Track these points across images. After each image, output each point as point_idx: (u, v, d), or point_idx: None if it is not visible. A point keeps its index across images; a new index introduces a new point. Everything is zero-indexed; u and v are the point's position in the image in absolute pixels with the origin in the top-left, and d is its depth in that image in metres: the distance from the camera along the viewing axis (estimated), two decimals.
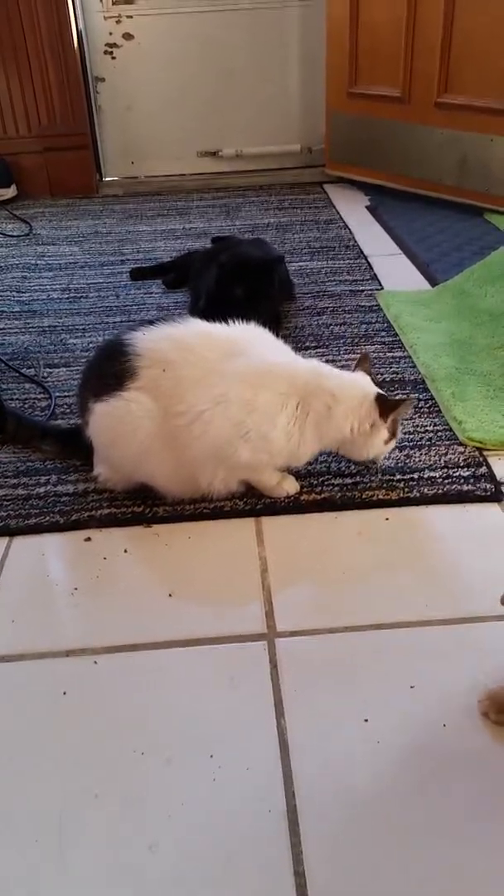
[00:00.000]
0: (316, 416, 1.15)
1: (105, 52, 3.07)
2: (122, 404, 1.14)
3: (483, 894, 0.72)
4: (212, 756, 0.85)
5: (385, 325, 1.82)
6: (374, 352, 1.67)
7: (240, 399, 1.12)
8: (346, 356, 1.64)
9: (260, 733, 0.87)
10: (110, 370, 1.16)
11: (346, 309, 1.91)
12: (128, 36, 3.05)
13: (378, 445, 1.20)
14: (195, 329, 1.19)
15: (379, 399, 1.18)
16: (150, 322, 1.21)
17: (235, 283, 1.73)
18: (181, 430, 1.12)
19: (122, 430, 1.14)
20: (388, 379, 1.57)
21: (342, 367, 1.25)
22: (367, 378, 1.23)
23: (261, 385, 1.14)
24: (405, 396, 1.22)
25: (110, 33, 3.04)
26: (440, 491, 1.24)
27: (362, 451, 1.20)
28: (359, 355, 1.30)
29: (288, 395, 1.14)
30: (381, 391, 1.21)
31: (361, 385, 1.20)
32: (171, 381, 1.13)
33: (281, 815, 0.78)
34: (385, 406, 1.18)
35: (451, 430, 1.39)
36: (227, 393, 1.12)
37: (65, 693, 0.93)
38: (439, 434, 1.38)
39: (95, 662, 0.97)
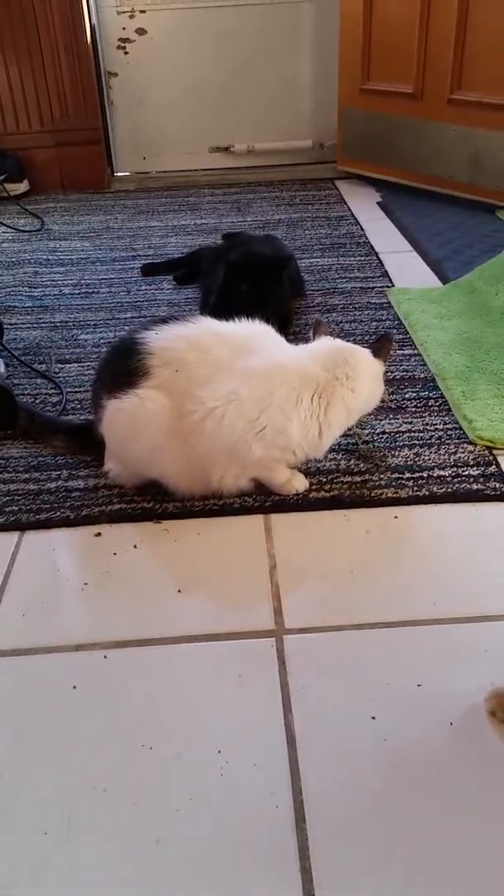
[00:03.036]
0: (341, 402, 1.18)
1: (118, 47, 3.08)
2: (136, 401, 1.14)
3: (488, 894, 0.73)
4: (220, 751, 0.85)
5: (395, 322, 1.81)
6: None
7: (253, 396, 1.13)
8: None
9: (268, 729, 0.87)
10: (124, 368, 1.17)
11: (357, 306, 1.91)
12: (141, 31, 3.05)
13: (382, 386, 1.28)
14: (206, 328, 1.20)
15: (374, 352, 1.25)
16: (163, 320, 1.21)
17: (244, 280, 1.73)
18: (193, 426, 1.13)
19: (136, 426, 1.15)
20: (398, 377, 1.57)
21: None
22: (337, 340, 1.27)
23: (273, 382, 1.14)
24: (383, 335, 1.29)
25: (123, 28, 3.04)
26: (449, 490, 1.24)
27: (377, 401, 1.28)
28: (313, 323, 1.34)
29: (301, 390, 1.15)
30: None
31: (355, 350, 1.23)
32: (183, 381, 1.14)
33: (288, 811, 0.79)
34: (382, 353, 1.26)
35: (460, 428, 1.39)
36: (240, 391, 1.12)
37: (74, 687, 0.94)
38: (449, 433, 1.39)
39: (105, 657, 0.98)
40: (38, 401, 1.55)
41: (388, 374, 1.55)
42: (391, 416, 1.44)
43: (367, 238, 2.39)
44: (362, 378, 1.20)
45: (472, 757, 0.84)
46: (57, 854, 0.76)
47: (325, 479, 1.28)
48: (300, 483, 1.25)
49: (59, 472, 1.32)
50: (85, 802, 0.81)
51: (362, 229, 2.48)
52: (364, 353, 1.23)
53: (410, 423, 1.42)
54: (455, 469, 1.29)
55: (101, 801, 0.81)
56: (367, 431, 1.39)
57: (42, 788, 0.83)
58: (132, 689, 0.93)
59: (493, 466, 1.29)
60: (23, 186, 2.99)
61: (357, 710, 0.89)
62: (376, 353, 1.24)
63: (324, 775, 0.83)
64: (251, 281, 1.73)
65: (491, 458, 1.31)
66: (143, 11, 3.02)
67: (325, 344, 1.24)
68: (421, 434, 1.39)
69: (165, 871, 0.75)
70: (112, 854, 0.76)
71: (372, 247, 2.32)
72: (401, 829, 0.77)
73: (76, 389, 1.57)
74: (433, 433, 1.39)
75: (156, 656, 0.98)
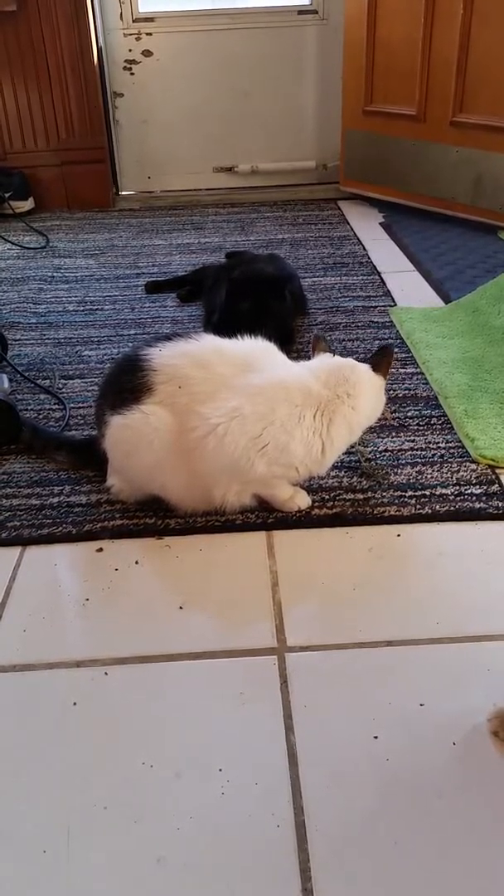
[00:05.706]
0: (343, 419, 1.18)
1: (124, 68, 3.11)
2: (140, 417, 1.15)
3: None
4: (221, 770, 0.85)
5: (398, 341, 1.82)
6: None
7: (256, 414, 1.13)
8: None
9: (269, 748, 0.87)
10: (127, 384, 1.17)
11: (359, 325, 1.92)
12: (147, 53, 3.09)
13: (384, 399, 1.27)
14: (209, 345, 1.21)
15: (374, 367, 1.24)
16: (167, 337, 1.22)
17: (246, 298, 1.74)
18: (195, 443, 1.13)
19: (139, 442, 1.15)
20: (400, 395, 1.57)
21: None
22: (337, 357, 1.26)
23: (275, 399, 1.15)
24: (385, 345, 1.28)
25: (129, 50, 3.08)
26: (452, 508, 1.24)
27: (378, 414, 1.26)
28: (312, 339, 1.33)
29: (304, 407, 1.16)
30: (360, 362, 1.24)
31: (355, 367, 1.22)
32: (186, 398, 1.14)
33: (289, 831, 0.78)
34: (382, 367, 1.25)
35: (463, 447, 1.39)
36: (242, 408, 1.13)
37: (75, 704, 0.93)
38: (451, 451, 1.39)
39: (106, 674, 0.97)
40: (41, 416, 1.55)
41: (391, 391, 1.56)
42: (394, 433, 1.44)
43: (369, 258, 2.41)
44: (364, 396, 1.20)
45: (474, 777, 0.83)
46: (56, 872, 0.76)
47: (327, 497, 1.28)
48: (302, 500, 1.25)
49: (61, 488, 1.32)
50: (84, 820, 0.80)
51: (365, 249, 2.49)
52: (364, 370, 1.23)
53: (413, 441, 1.42)
54: (457, 487, 1.29)
55: (100, 818, 0.80)
56: (369, 449, 1.39)
57: (41, 805, 0.82)
58: (133, 707, 0.93)
59: (496, 485, 1.29)
60: (28, 204, 3.02)
61: (359, 730, 0.89)
62: (376, 368, 1.24)
63: (325, 795, 0.82)
64: (253, 299, 1.74)
65: (493, 476, 1.31)
66: (149, 34, 3.06)
67: (325, 361, 1.24)
68: (423, 452, 1.39)
69: (166, 890, 0.74)
70: (112, 873, 0.76)
71: (374, 266, 2.33)
72: (403, 849, 0.77)
73: (79, 405, 1.58)
74: (435, 451, 1.39)
75: (157, 673, 0.97)
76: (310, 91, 3.19)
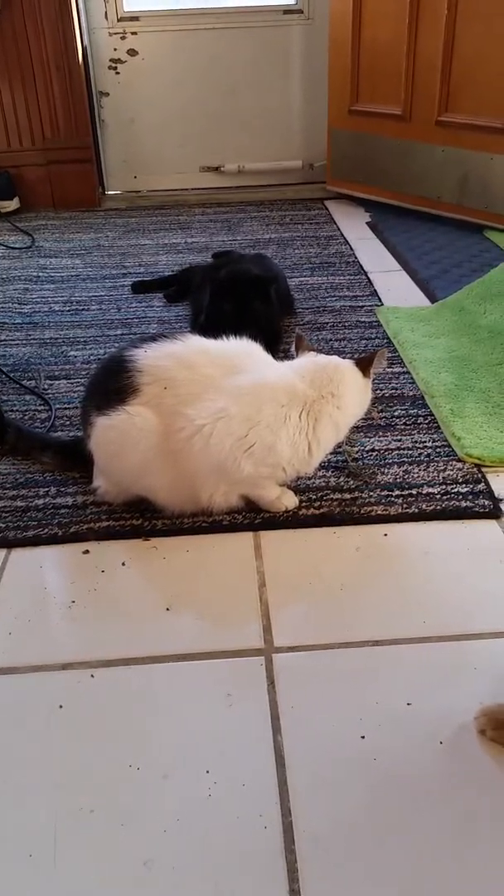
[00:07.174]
0: (329, 419, 1.18)
1: (109, 68, 3.10)
2: (125, 418, 1.14)
3: None
4: (208, 772, 0.84)
5: (385, 340, 1.82)
6: None
7: (242, 414, 1.13)
8: None
9: (256, 749, 0.87)
10: (113, 385, 1.17)
11: (346, 324, 1.92)
12: (132, 52, 3.08)
13: (369, 396, 1.26)
14: (194, 346, 1.20)
15: (359, 365, 1.23)
16: (153, 338, 1.21)
17: (231, 299, 1.74)
18: (182, 444, 1.13)
19: (125, 443, 1.15)
20: (387, 395, 1.58)
21: None
22: (321, 355, 1.26)
23: (261, 400, 1.14)
24: (376, 350, 1.27)
25: (115, 49, 3.07)
26: (438, 507, 1.24)
27: (363, 410, 1.26)
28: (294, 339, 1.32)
29: (290, 407, 1.15)
30: (347, 359, 1.24)
31: (339, 366, 1.22)
32: (172, 399, 1.14)
33: (277, 832, 0.78)
34: (366, 366, 1.24)
35: (449, 446, 1.40)
36: (228, 408, 1.12)
37: (61, 706, 0.93)
38: (438, 450, 1.39)
39: (92, 676, 0.97)
40: (26, 417, 1.54)
41: (378, 391, 1.56)
42: (380, 433, 1.44)
43: (356, 257, 2.41)
44: (348, 395, 1.20)
45: (461, 776, 0.84)
46: (42, 877, 0.75)
47: (314, 497, 1.28)
48: (290, 500, 1.24)
49: (47, 489, 1.31)
50: (71, 823, 0.80)
51: (351, 249, 2.49)
52: (348, 368, 1.22)
53: (400, 440, 1.43)
54: (444, 486, 1.29)
55: (87, 821, 0.80)
56: (356, 449, 1.39)
57: (27, 809, 0.81)
58: (119, 709, 0.93)
59: (482, 484, 1.29)
60: (13, 204, 3.00)
61: (346, 730, 0.89)
62: (361, 366, 1.23)
63: (313, 795, 0.82)
64: (238, 299, 1.73)
65: (479, 475, 1.32)
66: (134, 33, 3.05)
67: (309, 360, 1.24)
68: (410, 452, 1.39)
69: (153, 892, 0.74)
70: (98, 876, 0.75)
71: (361, 266, 2.33)
72: (391, 848, 0.77)
73: (65, 406, 1.57)
74: (422, 451, 1.39)
75: (143, 675, 0.97)
76: (296, 90, 3.19)
